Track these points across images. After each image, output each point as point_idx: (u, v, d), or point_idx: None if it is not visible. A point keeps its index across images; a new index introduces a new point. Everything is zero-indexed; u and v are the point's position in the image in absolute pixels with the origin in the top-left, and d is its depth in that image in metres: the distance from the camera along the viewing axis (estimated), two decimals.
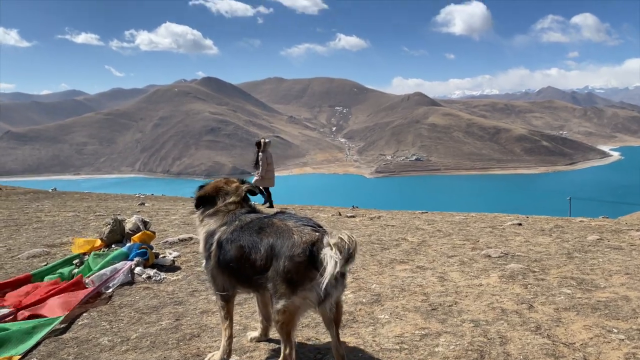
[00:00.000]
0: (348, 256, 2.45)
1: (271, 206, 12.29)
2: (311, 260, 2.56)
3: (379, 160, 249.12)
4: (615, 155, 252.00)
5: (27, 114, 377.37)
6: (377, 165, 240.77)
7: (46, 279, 3.58)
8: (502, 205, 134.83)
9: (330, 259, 2.45)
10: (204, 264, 3.08)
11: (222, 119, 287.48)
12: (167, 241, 5.47)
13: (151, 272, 3.66)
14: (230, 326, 3.03)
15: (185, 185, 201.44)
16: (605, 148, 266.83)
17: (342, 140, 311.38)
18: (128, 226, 4.28)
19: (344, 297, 3.51)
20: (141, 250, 3.82)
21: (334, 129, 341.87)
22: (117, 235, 4.12)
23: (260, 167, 12.30)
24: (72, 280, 3.36)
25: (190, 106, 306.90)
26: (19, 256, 4.70)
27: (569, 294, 3.98)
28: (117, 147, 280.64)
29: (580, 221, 9.11)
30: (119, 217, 4.45)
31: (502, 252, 4.90)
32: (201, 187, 3.29)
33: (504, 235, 6.40)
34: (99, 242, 4.09)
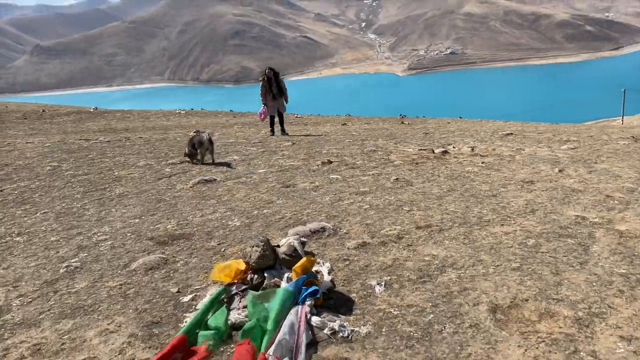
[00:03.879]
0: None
1: (276, 132, 13.90)
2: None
3: (411, 56, 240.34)
4: None
5: (53, 27, 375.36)
6: (409, 62, 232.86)
7: (201, 336, 2.69)
8: (542, 101, 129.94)
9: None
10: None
11: (247, 20, 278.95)
12: (297, 235, 3.91)
13: (335, 324, 2.71)
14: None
15: (214, 92, 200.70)
16: None
17: (372, 36, 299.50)
18: (282, 249, 3.44)
19: None
20: (312, 288, 2.97)
21: (363, 24, 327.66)
22: (269, 261, 3.35)
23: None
24: None
25: (213, 9, 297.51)
26: (134, 268, 3.62)
27: None
28: (145, 56, 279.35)
29: None
30: (268, 239, 3.57)
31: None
32: None
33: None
34: (243, 266, 3.26)
